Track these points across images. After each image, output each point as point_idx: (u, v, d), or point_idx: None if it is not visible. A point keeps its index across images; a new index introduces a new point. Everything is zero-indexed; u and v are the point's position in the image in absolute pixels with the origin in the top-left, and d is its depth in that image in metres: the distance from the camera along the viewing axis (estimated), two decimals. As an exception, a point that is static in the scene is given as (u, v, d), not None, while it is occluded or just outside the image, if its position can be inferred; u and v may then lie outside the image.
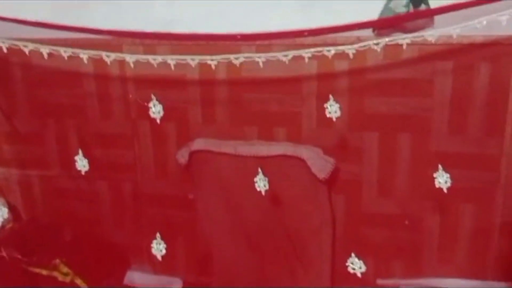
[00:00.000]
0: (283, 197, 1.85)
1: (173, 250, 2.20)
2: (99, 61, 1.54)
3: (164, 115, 1.56)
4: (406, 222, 1.89)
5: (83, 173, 1.67)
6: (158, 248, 1.69)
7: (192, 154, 1.93)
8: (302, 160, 1.79)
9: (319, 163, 1.78)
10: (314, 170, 1.77)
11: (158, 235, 1.69)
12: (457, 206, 1.83)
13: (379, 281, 1.97)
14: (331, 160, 1.80)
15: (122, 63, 2.02)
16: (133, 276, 2.23)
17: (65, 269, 2.07)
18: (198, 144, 1.93)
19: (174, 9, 1.91)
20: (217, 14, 1.87)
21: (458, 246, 1.86)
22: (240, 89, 1.95)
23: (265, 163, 1.82)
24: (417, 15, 1.38)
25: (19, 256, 2.06)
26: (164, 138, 2.09)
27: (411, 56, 1.72)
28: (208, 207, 2.03)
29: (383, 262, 1.96)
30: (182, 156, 1.96)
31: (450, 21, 1.36)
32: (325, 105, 1.45)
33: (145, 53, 1.94)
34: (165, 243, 1.69)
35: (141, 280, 2.22)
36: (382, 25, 1.45)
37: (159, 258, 1.66)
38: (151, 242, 1.70)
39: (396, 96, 1.79)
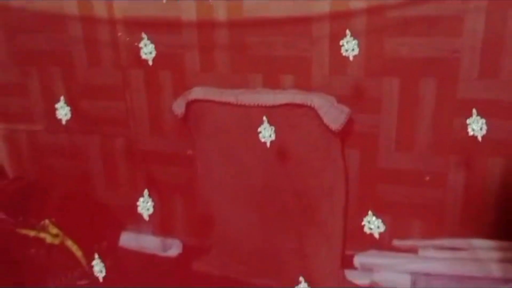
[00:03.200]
0: (291, 152, 1.65)
1: (171, 211, 2.05)
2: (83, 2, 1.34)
3: (158, 60, 1.35)
4: (427, 178, 1.71)
5: (64, 122, 1.48)
6: (145, 206, 1.52)
7: (189, 104, 1.74)
8: (312, 109, 1.58)
9: (332, 113, 1.58)
10: (326, 120, 1.58)
11: (145, 192, 1.52)
12: (485, 161, 1.64)
13: (396, 243, 1.80)
14: (346, 109, 1.61)
15: (109, 3, 1.83)
16: (129, 238, 2.07)
17: (54, 230, 1.91)
18: (196, 93, 1.73)
19: None
20: None
21: (485, 204, 1.68)
22: (242, 32, 1.74)
23: (271, 113, 1.60)
24: None
25: (4, 216, 1.91)
26: (159, 88, 1.90)
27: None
28: (208, 163, 1.84)
29: (401, 222, 1.79)
30: (179, 107, 1.76)
31: None
32: (341, 42, 1.24)
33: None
34: (153, 201, 1.51)
35: (137, 242, 2.06)
36: None
37: (146, 217, 1.49)
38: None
39: (420, 36, 1.57)
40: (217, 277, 1.88)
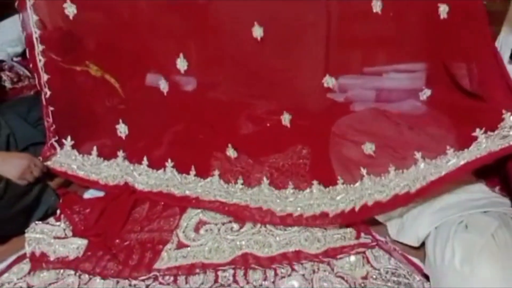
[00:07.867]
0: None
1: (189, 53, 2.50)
2: None
3: None
4: (391, 14, 2.17)
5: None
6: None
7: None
8: None
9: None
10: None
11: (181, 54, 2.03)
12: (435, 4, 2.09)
13: (365, 70, 2.31)
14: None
15: None
16: (153, 78, 2.55)
17: (95, 67, 2.40)
18: None
19: None
20: None
21: (435, 35, 2.15)
22: None
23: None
24: None
25: (55, 57, 2.38)
26: None
27: None
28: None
29: (369, 53, 2.29)
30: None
31: None
32: None
33: None
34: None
35: (160, 81, 2.54)
36: None
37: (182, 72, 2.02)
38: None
39: None
40: (225, 101, 2.41)
